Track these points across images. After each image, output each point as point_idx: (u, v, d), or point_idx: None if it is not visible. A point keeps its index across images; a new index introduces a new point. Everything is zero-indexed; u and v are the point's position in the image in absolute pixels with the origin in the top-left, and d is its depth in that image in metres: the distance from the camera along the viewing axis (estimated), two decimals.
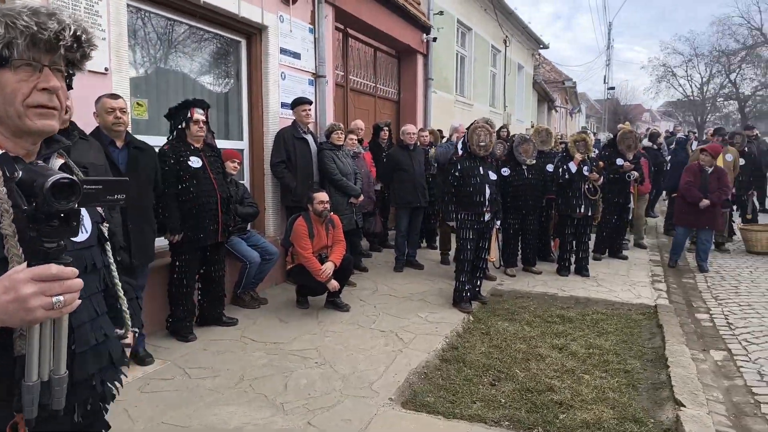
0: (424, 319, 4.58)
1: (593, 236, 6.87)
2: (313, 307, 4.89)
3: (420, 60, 9.59)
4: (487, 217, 5.02)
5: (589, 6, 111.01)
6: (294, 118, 5.56)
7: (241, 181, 5.30)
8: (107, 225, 1.49)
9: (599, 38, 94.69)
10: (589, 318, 4.72)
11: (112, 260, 1.47)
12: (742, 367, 3.89)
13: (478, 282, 5.20)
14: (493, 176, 5.12)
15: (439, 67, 10.42)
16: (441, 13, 10.11)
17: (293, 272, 4.84)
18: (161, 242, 4.25)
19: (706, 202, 6.42)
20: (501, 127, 8.74)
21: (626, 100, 46.72)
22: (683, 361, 3.72)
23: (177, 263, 4.12)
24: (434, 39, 9.65)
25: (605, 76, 33.13)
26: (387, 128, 7.28)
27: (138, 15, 4.47)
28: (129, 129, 3.75)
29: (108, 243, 1.47)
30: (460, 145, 5.67)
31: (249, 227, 5.21)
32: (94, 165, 3.17)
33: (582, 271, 6.28)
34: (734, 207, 8.52)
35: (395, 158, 6.39)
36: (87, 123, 3.45)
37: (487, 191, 4.98)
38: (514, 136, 6.85)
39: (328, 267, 4.59)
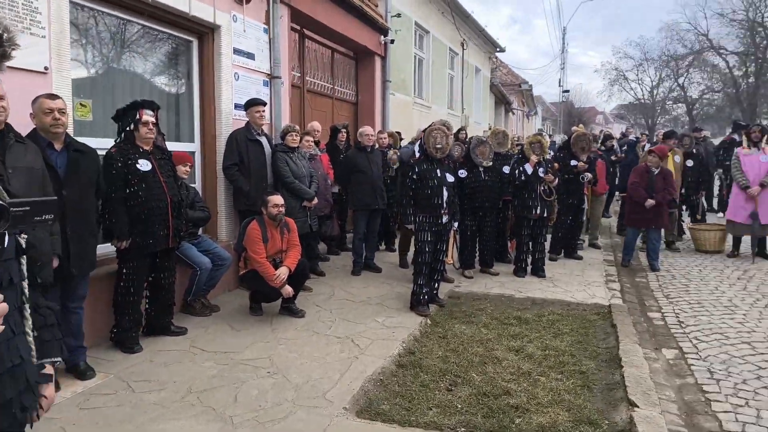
0: (381, 324, 4.51)
1: (549, 237, 6.96)
2: (267, 313, 4.75)
3: (378, 62, 9.55)
4: (444, 219, 5.00)
5: (543, 11, 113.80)
6: (247, 119, 5.41)
7: (192, 185, 5.11)
8: (25, 236, 1.38)
9: (554, 42, 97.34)
10: (545, 319, 4.75)
11: (25, 275, 1.37)
12: (693, 365, 3.96)
13: (436, 285, 5.18)
14: (450, 178, 5.11)
15: (397, 69, 10.41)
16: (399, 15, 10.10)
17: (246, 278, 4.69)
18: (108, 249, 4.05)
19: (651, 202, 6.60)
20: (459, 129, 8.78)
21: (580, 102, 48.21)
22: (636, 361, 3.77)
23: (124, 271, 3.93)
24: (392, 41, 9.62)
25: (560, 80, 34.02)
26: (345, 130, 7.20)
27: (82, 12, 4.25)
28: (71, 131, 3.55)
29: (24, 257, 1.37)
30: (417, 148, 5.64)
31: (200, 232, 5.03)
32: (31, 169, 2.98)
33: (538, 271, 6.35)
34: (683, 207, 8.81)
35: (353, 160, 6.32)
36: (25, 124, 3.23)
37: (445, 193, 4.96)
38: (472, 138, 6.89)
39: (282, 272, 4.46)
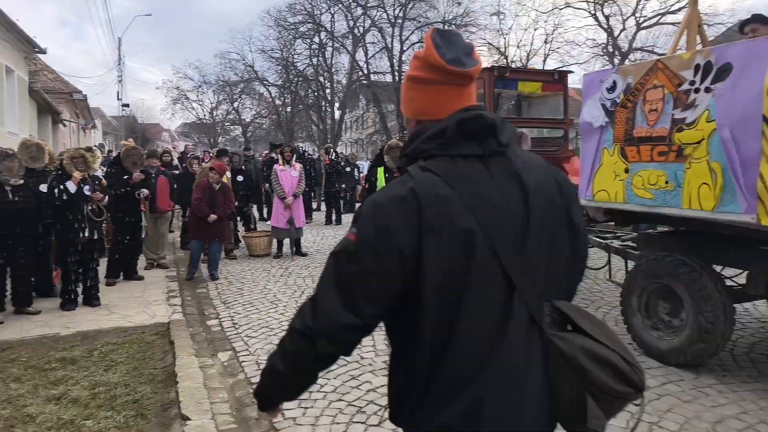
0: None
1: (103, 261, 6.39)
2: None
3: None
4: None
5: (92, 17, 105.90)
6: None
7: None
8: None
9: (109, 53, 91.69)
10: (96, 353, 4.27)
11: None
12: (244, 362, 4.27)
13: None
14: None
15: None
16: None
17: None
18: None
19: (213, 217, 7.00)
20: None
21: (144, 118, 47.12)
22: (191, 373, 3.81)
23: None
24: None
25: (118, 93, 32.31)
26: None
27: None
28: None
29: None
30: None
31: None
32: None
33: (91, 300, 5.72)
34: (238, 218, 9.66)
35: None
36: None
37: None
38: None
39: None
